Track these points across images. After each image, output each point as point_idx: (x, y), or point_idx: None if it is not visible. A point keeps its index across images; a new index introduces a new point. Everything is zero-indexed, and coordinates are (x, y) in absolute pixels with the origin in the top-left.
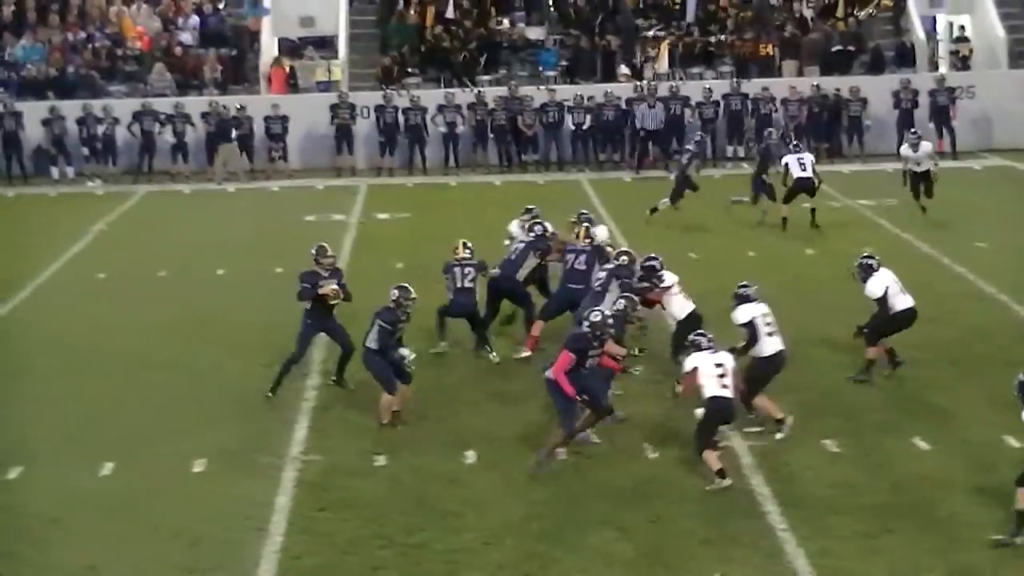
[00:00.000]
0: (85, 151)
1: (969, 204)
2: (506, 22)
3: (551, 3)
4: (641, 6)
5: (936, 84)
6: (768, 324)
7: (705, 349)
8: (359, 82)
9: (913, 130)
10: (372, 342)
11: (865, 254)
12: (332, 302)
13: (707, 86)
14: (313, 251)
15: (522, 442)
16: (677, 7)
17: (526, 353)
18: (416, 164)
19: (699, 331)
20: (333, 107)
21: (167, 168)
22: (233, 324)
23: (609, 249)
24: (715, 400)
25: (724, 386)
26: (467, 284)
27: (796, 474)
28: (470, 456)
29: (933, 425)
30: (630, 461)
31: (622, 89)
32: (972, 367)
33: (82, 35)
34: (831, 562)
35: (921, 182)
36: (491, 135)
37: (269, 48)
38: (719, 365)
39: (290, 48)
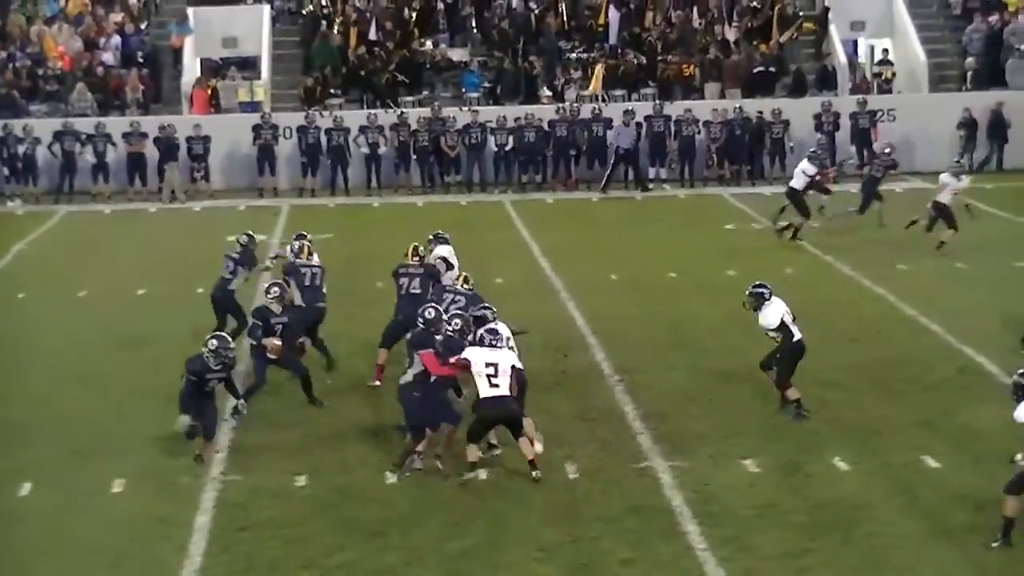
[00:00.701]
0: (5, 171)
1: (890, 226)
2: (429, 43)
3: (474, 25)
4: (565, 28)
5: (857, 107)
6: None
7: (486, 345)
8: (282, 103)
9: (957, 159)
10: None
11: (757, 283)
12: (271, 356)
13: (629, 107)
14: (267, 292)
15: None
16: (600, 29)
17: (376, 383)
18: (338, 185)
19: (489, 327)
20: (256, 127)
21: (88, 188)
22: (154, 343)
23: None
24: (485, 400)
25: (495, 385)
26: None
27: (716, 494)
28: (390, 477)
29: (854, 445)
30: (551, 480)
31: (544, 110)
32: (894, 388)
33: (3, 55)
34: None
35: (941, 213)
36: (414, 156)
37: (191, 68)
38: (491, 364)
39: (213, 68)
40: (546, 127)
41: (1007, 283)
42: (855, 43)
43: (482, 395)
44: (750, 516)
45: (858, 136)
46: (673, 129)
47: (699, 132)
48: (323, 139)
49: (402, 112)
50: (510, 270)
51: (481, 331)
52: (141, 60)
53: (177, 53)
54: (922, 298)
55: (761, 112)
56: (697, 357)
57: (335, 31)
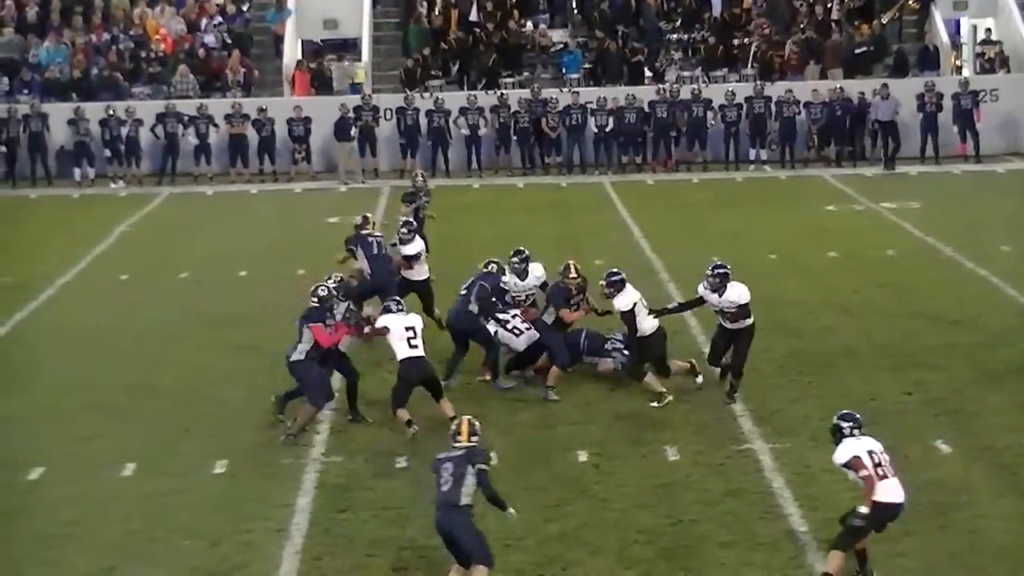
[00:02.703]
0: (108, 153)
1: (992, 208)
2: (529, 24)
3: (574, 6)
4: (664, 8)
5: (960, 87)
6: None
7: (396, 312)
8: (382, 84)
9: None
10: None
11: (614, 270)
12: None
13: (730, 89)
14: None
15: (543, 444)
16: (700, 7)
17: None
18: (439, 166)
19: (394, 298)
20: (356, 109)
21: (190, 170)
22: (254, 326)
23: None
24: (405, 361)
25: (414, 346)
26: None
27: (816, 476)
28: (492, 457)
29: (954, 428)
30: (650, 463)
31: (644, 91)
32: (993, 370)
33: (106, 37)
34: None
35: None
36: (514, 137)
37: (292, 50)
38: (409, 328)
39: (313, 50)
40: (646, 108)
41: None
42: (958, 23)
43: (401, 357)
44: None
45: (960, 117)
46: (774, 110)
47: (799, 113)
48: (423, 120)
49: (503, 93)
50: (609, 252)
51: (387, 302)
52: (241, 42)
53: (278, 36)
54: None
55: (863, 93)
56: (795, 339)
57: (435, 12)
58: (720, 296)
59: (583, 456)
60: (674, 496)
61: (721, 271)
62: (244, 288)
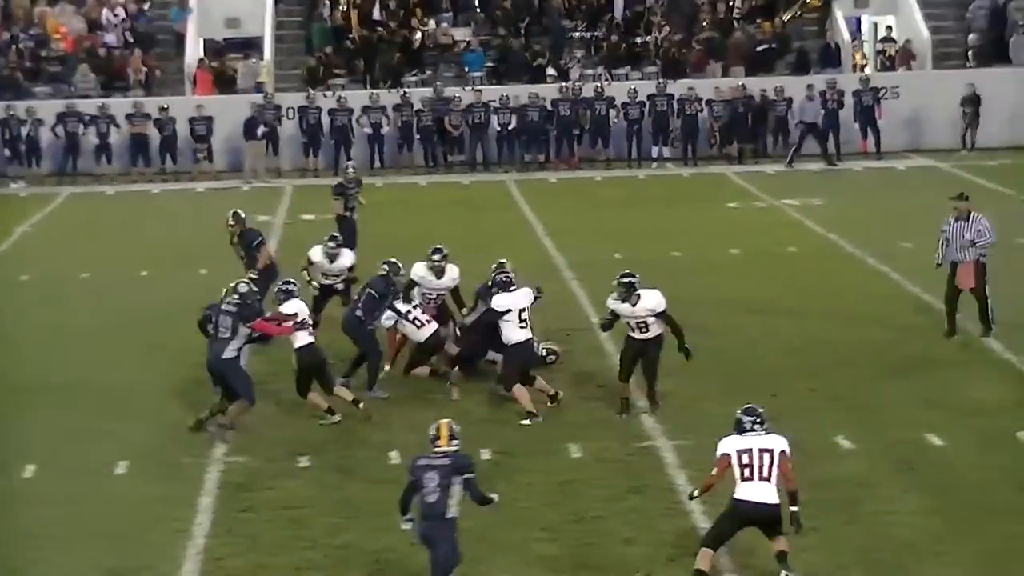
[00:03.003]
0: (8, 152)
1: (894, 204)
2: (432, 23)
3: (477, 5)
4: (567, 6)
5: (861, 84)
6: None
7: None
8: (284, 83)
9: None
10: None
11: (503, 268)
12: None
13: (633, 87)
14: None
15: None
16: (604, 6)
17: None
18: (341, 165)
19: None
20: (259, 108)
21: (91, 169)
22: (156, 325)
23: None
24: (301, 350)
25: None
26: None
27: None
28: (394, 456)
29: (857, 425)
30: (554, 460)
31: (547, 90)
32: (896, 366)
33: (6, 36)
34: (752, 561)
35: None
36: (417, 136)
37: (194, 49)
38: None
39: (215, 50)
40: (549, 106)
41: (1009, 260)
42: (859, 20)
43: (298, 345)
44: None
45: (862, 114)
46: (676, 107)
47: (702, 110)
48: (325, 119)
49: (405, 92)
50: (514, 250)
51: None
52: (142, 41)
53: (179, 34)
54: (925, 276)
55: (764, 90)
56: (700, 336)
57: (339, 10)
58: (634, 306)
59: (487, 455)
60: (578, 493)
61: (627, 280)
62: (147, 287)
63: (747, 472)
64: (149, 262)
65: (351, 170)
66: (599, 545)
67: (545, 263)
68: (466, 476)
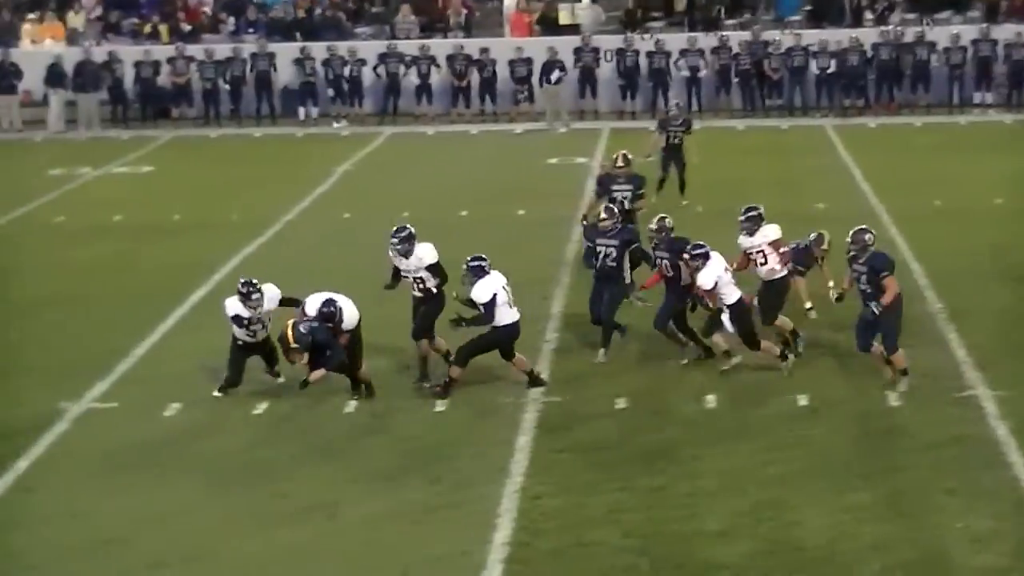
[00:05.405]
0: (331, 92)
1: None
2: None
3: None
4: None
5: None
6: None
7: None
8: (602, 25)
9: None
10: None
11: (477, 255)
12: None
13: (955, 31)
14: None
15: (761, 386)
16: None
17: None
18: (659, 109)
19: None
20: (576, 50)
21: (412, 110)
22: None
23: None
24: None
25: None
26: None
27: None
28: (710, 400)
29: None
30: (870, 408)
31: (867, 34)
32: None
33: None
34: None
35: None
36: (735, 79)
37: None
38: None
39: None
40: (869, 51)
41: None
42: None
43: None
44: None
45: None
46: (1001, 53)
47: None
48: (643, 62)
49: (723, 35)
50: (830, 196)
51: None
52: None
53: None
54: None
55: None
56: (1022, 286)
57: None
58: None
59: (803, 400)
60: (893, 442)
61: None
62: (465, 227)
63: None
64: (468, 202)
65: (676, 107)
66: (915, 494)
67: (863, 209)
68: None
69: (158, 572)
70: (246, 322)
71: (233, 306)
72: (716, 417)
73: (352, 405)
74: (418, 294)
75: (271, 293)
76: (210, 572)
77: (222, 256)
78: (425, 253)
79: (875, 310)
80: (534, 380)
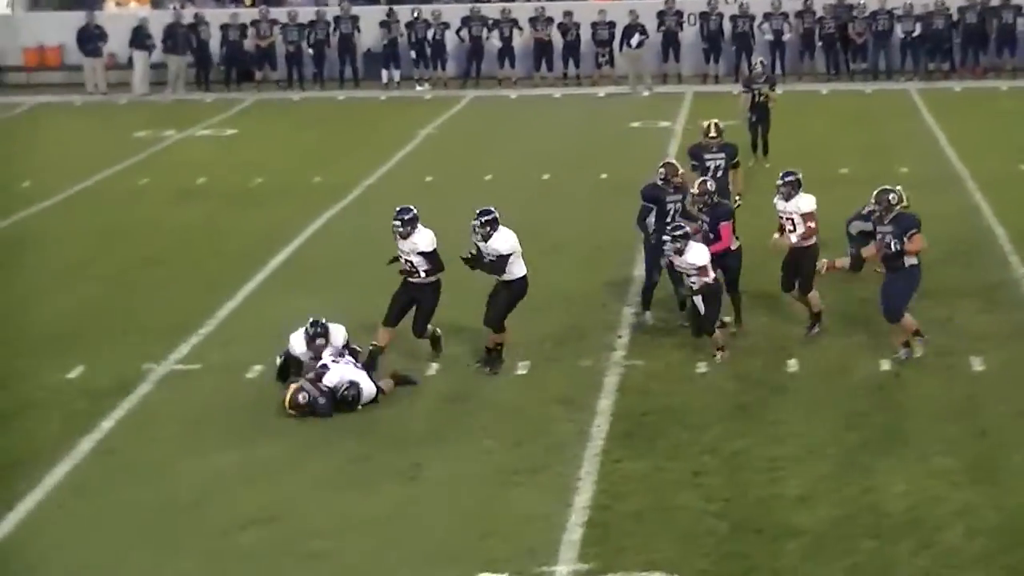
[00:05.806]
0: (413, 55)
1: None
2: None
3: None
4: None
5: None
6: None
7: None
8: None
9: None
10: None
11: (486, 208)
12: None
13: None
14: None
15: (843, 352)
16: None
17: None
18: (742, 71)
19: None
20: (660, 14)
21: (494, 73)
22: (558, 228)
23: None
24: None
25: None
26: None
27: None
28: (792, 365)
29: None
30: (954, 374)
31: None
32: None
33: None
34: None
35: None
36: (819, 43)
37: None
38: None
39: None
40: (955, 14)
41: None
42: None
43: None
44: None
45: None
46: None
47: None
48: (727, 26)
49: None
50: (914, 160)
51: None
52: None
53: None
54: None
55: None
56: None
57: None
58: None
59: (886, 365)
60: (980, 407)
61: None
62: (548, 191)
63: None
64: (551, 165)
65: (760, 65)
66: (1001, 460)
67: (947, 174)
68: None
69: (239, 534)
70: (304, 358)
71: (296, 344)
72: (798, 381)
73: (434, 368)
74: (411, 280)
75: (337, 339)
76: (292, 534)
77: (304, 220)
78: (421, 239)
79: (906, 263)
80: (491, 356)
